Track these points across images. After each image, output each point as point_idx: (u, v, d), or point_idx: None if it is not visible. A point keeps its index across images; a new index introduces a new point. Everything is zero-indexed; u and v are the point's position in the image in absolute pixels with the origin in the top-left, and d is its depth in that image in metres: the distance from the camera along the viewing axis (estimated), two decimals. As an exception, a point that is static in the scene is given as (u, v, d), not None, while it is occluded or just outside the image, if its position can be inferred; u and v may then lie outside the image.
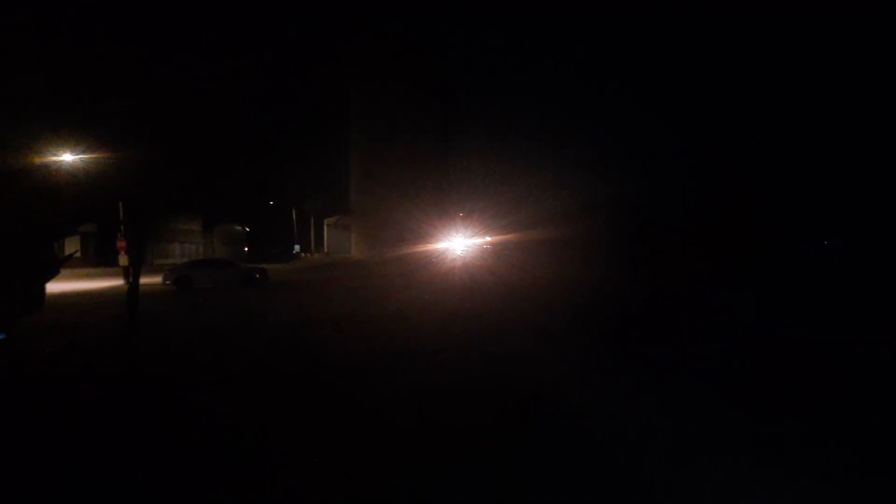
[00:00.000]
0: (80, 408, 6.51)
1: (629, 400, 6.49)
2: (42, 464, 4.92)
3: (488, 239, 58.06)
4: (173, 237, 60.94)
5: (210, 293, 22.52)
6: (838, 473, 4.50)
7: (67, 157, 25.11)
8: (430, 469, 4.64)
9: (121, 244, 29.57)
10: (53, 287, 12.08)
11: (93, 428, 5.78)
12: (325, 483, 4.43)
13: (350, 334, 11.47)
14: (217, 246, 67.29)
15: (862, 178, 37.94)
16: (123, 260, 29.29)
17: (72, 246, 44.18)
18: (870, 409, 6.16)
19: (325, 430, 5.61)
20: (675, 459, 4.74)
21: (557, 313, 14.16)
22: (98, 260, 45.81)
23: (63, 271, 10.92)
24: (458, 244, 55.15)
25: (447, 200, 68.27)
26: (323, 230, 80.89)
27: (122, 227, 29.95)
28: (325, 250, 78.18)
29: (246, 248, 70.43)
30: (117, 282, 29.50)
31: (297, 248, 70.98)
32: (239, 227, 73.23)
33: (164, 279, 25.50)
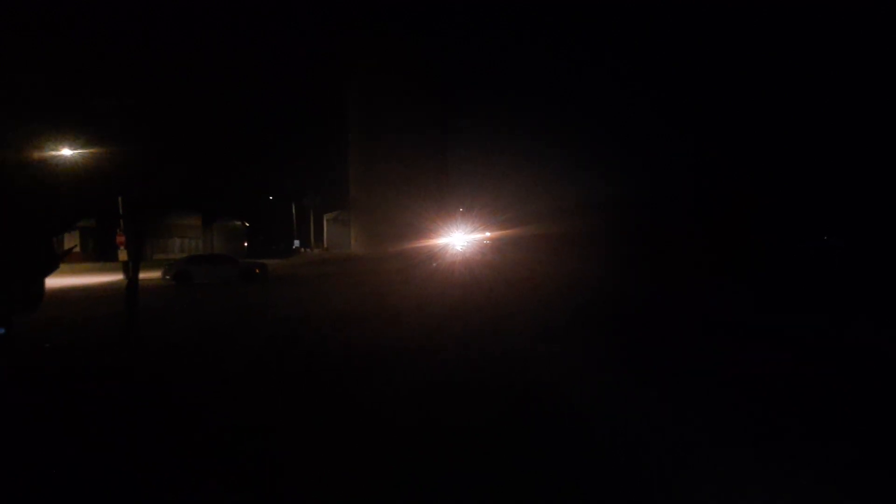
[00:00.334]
0: (78, 405, 6.50)
1: (630, 399, 6.48)
2: (40, 462, 4.91)
3: (488, 234, 58.08)
4: (173, 232, 60.88)
5: (209, 289, 22.50)
6: (839, 471, 4.49)
7: (67, 153, 25.06)
8: (429, 469, 4.63)
9: (120, 239, 29.52)
10: (53, 282, 12.06)
11: (91, 426, 5.77)
12: (325, 483, 4.42)
13: (349, 331, 11.46)
14: (217, 241, 67.24)
15: (861, 178, 37.95)
16: (123, 255, 29.23)
17: (71, 241, 44.14)
18: (871, 406, 6.16)
19: (324, 430, 5.60)
20: (675, 459, 4.73)
21: (558, 310, 14.15)
22: (97, 255, 45.74)
23: (62, 266, 10.89)
24: (458, 239, 55.16)
25: (447, 195, 68.28)
26: (322, 225, 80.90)
27: (121, 222, 29.88)
28: (325, 245, 78.20)
29: (245, 244, 70.42)
30: (117, 277, 29.48)
31: (296, 243, 71.02)
32: (238, 223, 73.17)
33: (164, 274, 25.48)
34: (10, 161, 10.35)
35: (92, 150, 26.14)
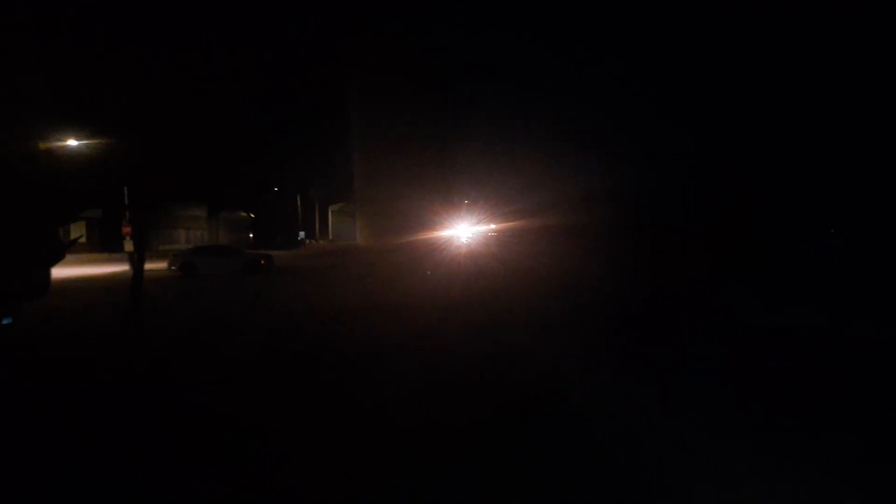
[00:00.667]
0: (78, 401, 6.52)
1: (630, 397, 6.47)
2: (41, 455, 4.94)
3: (493, 226, 57.98)
4: (178, 223, 61.05)
5: (215, 280, 22.58)
6: (840, 470, 4.49)
7: (73, 144, 25.15)
8: (429, 468, 4.64)
9: (126, 230, 29.66)
10: (59, 272, 12.14)
11: (91, 423, 5.78)
12: (326, 482, 4.43)
13: (353, 324, 11.47)
14: (222, 232, 67.38)
15: (862, 178, 37.76)
16: (128, 246, 29.39)
17: (77, 231, 44.33)
18: (871, 405, 6.14)
19: (325, 428, 5.61)
20: (675, 458, 4.73)
21: (560, 306, 14.13)
22: (103, 245, 45.93)
23: (68, 256, 10.97)
24: (463, 231, 55.13)
25: (452, 187, 68.15)
26: (328, 217, 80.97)
27: (127, 212, 30.00)
28: (330, 237, 78.29)
29: (251, 235, 70.53)
30: (122, 267, 29.64)
31: (301, 234, 71.06)
32: (244, 214, 73.27)
33: (170, 265, 25.57)
34: (17, 152, 10.40)
35: (98, 142, 26.23)
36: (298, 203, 71.64)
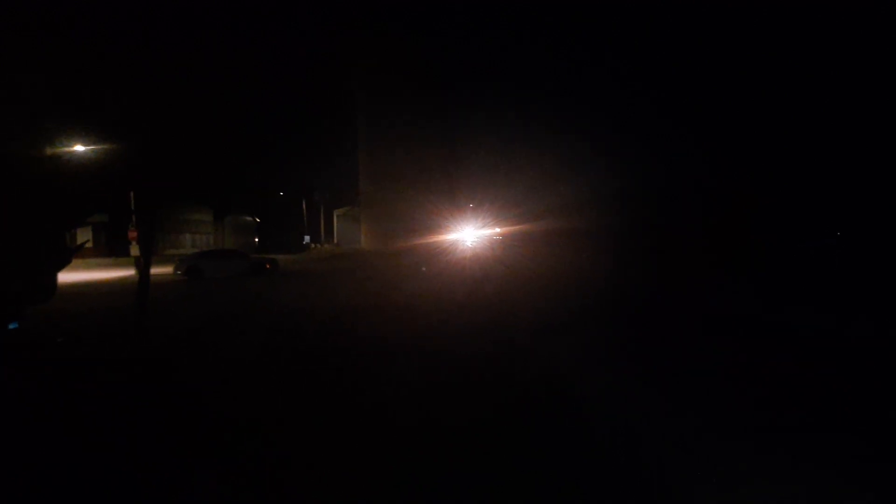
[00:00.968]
0: (79, 402, 6.54)
1: (630, 397, 6.47)
2: (45, 456, 4.96)
3: (498, 230, 57.94)
4: (184, 228, 61.31)
5: (220, 283, 22.65)
6: (841, 469, 4.47)
7: (79, 149, 25.31)
8: (430, 468, 4.64)
9: (132, 234, 29.79)
10: (65, 277, 12.18)
11: (93, 421, 5.81)
12: (326, 482, 4.44)
13: (354, 327, 11.50)
14: (228, 236, 67.63)
15: (862, 178, 37.64)
16: (135, 250, 29.50)
17: (83, 236, 44.56)
18: (871, 403, 6.12)
19: (325, 427, 5.62)
20: (675, 458, 4.72)
21: (563, 306, 14.14)
22: (110, 250, 46.14)
23: (75, 261, 11.01)
24: (468, 235, 55.10)
25: (457, 191, 68.18)
26: (333, 221, 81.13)
27: (133, 217, 30.14)
28: (335, 241, 78.44)
29: (256, 239, 70.73)
30: (129, 272, 29.73)
31: (306, 238, 71.18)
32: (249, 218, 73.50)
33: (175, 269, 25.66)
34: (23, 156, 10.46)
35: (104, 146, 26.38)
36: (303, 207, 71.79)
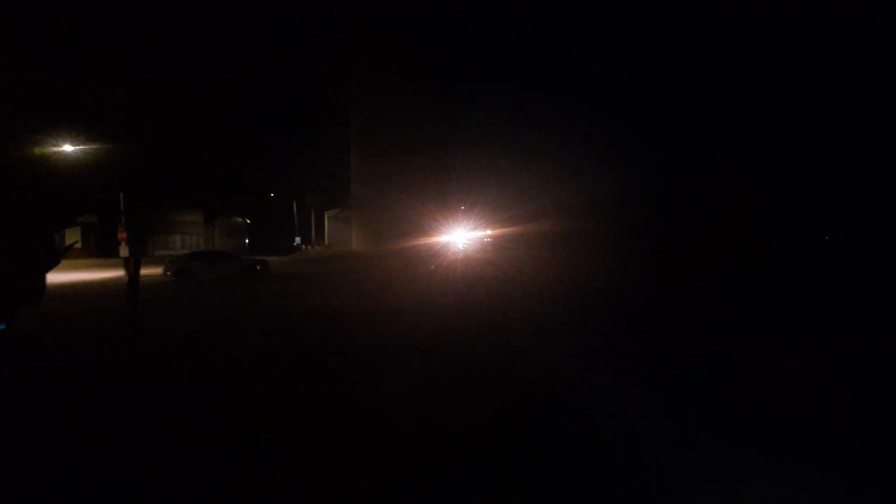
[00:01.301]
0: (77, 404, 6.48)
1: (630, 398, 6.47)
2: (40, 460, 4.91)
3: (489, 232, 58.01)
4: (174, 229, 60.89)
5: (211, 285, 22.51)
6: (841, 469, 4.49)
7: (68, 149, 25.09)
8: (429, 468, 4.63)
9: (122, 235, 29.57)
10: (54, 278, 12.05)
11: (90, 425, 5.76)
12: (325, 482, 4.41)
13: (350, 328, 11.46)
14: (218, 238, 67.24)
15: (862, 178, 37.91)
16: (124, 251, 29.29)
17: (73, 237, 44.21)
18: (872, 405, 6.15)
19: (324, 428, 5.60)
20: (675, 458, 4.72)
21: (560, 308, 14.14)
22: (99, 251, 45.79)
23: (64, 262, 10.89)
24: (460, 237, 55.09)
25: (448, 193, 68.21)
26: (324, 223, 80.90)
27: (122, 218, 29.93)
28: (326, 243, 78.21)
29: (247, 240, 70.44)
30: (118, 273, 29.49)
31: (297, 240, 70.96)
32: (240, 219, 73.15)
33: (165, 270, 25.47)
34: (12, 156, 10.38)
35: (94, 147, 26.18)
36: (294, 209, 71.55)
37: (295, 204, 71.58)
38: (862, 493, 4.17)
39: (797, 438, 5.19)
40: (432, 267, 26.53)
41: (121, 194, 29.39)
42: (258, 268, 26.38)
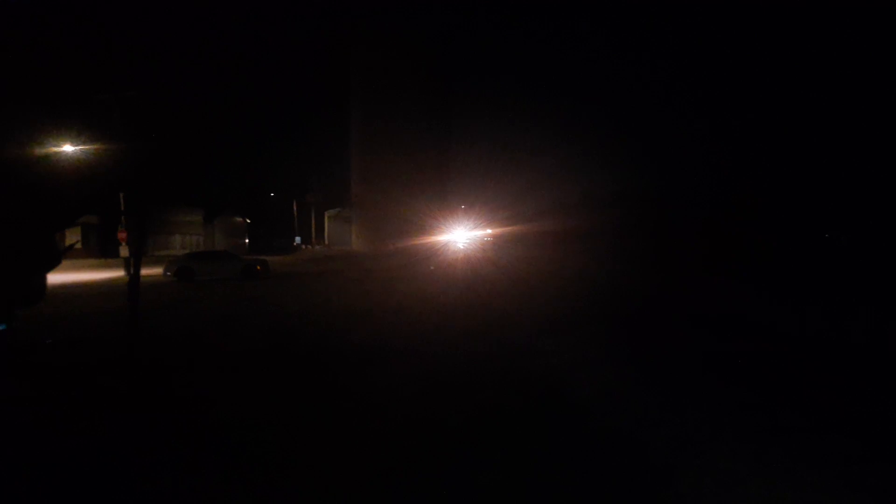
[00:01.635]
0: (76, 404, 6.47)
1: (630, 396, 6.47)
2: (40, 460, 4.90)
3: (489, 231, 58.09)
4: (174, 229, 60.89)
5: (211, 285, 22.51)
6: (841, 467, 4.49)
7: (69, 149, 25.06)
8: (428, 466, 4.63)
9: (122, 235, 29.58)
10: (55, 278, 12.07)
11: (90, 425, 5.75)
12: (325, 482, 4.41)
13: (350, 327, 11.45)
14: (218, 237, 67.26)
15: (867, 175, 37.91)
16: (125, 251, 29.30)
17: (73, 237, 44.20)
18: (871, 402, 6.15)
19: (324, 429, 5.59)
20: (676, 459, 4.72)
21: (560, 307, 14.14)
22: (99, 251, 45.79)
23: (64, 262, 10.89)
24: (460, 237, 55.16)
25: (449, 193, 68.28)
26: (324, 222, 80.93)
27: (123, 218, 29.93)
28: (326, 242, 78.27)
29: (247, 240, 70.45)
30: (118, 273, 29.50)
31: (297, 239, 70.97)
32: (240, 219, 73.17)
33: (166, 271, 25.45)
34: (13, 157, 10.36)
35: (94, 147, 26.16)
36: (294, 208, 71.56)
37: (295, 203, 71.58)
38: (862, 493, 4.17)
39: (797, 436, 5.18)
40: (431, 267, 26.44)
41: (121, 194, 29.39)
42: (258, 268, 26.36)
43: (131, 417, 5.90)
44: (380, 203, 63.69)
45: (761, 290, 17.45)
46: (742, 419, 5.63)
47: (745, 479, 4.35)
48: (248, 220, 73.37)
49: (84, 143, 25.75)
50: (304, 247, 71.85)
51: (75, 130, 25.26)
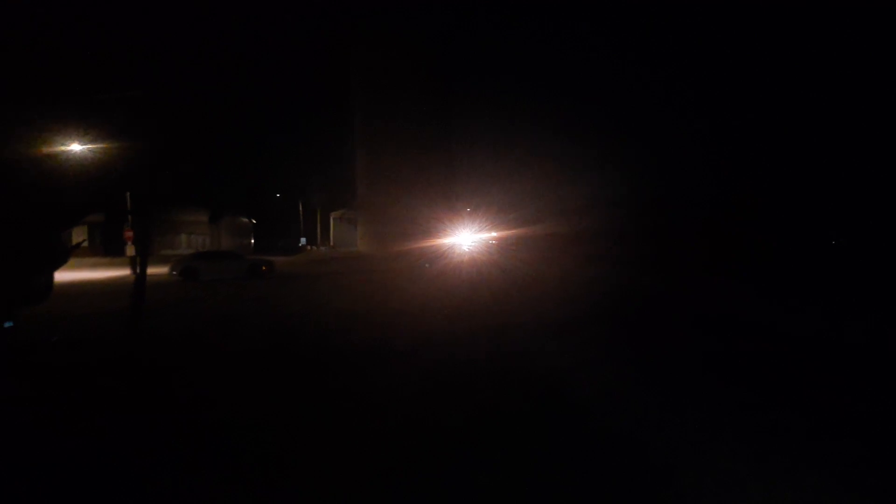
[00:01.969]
0: (77, 403, 6.50)
1: (631, 396, 6.46)
2: (39, 459, 4.92)
3: (494, 234, 58.04)
4: (180, 228, 61.15)
5: (216, 285, 22.58)
6: (841, 469, 4.48)
7: (76, 148, 25.19)
8: (428, 467, 4.65)
9: (128, 234, 29.72)
10: (61, 276, 12.14)
11: (90, 424, 5.77)
12: (324, 482, 4.43)
13: (351, 328, 11.47)
14: (223, 237, 67.49)
15: (867, 177, 37.77)
16: (130, 250, 29.46)
17: (79, 235, 44.42)
18: (873, 404, 6.13)
19: (324, 429, 5.61)
20: (676, 459, 4.72)
21: (563, 308, 14.12)
22: (105, 250, 46.02)
23: (71, 261, 10.97)
24: (465, 239, 55.10)
25: (454, 195, 68.26)
26: (329, 223, 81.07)
27: (129, 217, 30.08)
28: (331, 244, 78.40)
29: (252, 241, 70.62)
30: (124, 272, 29.66)
31: (303, 241, 71.15)
32: (245, 220, 73.40)
33: (171, 270, 25.57)
34: (20, 155, 10.43)
35: (101, 146, 26.27)
36: (300, 209, 71.72)
37: (300, 204, 71.74)
38: (862, 493, 4.17)
39: (798, 437, 5.18)
40: (426, 265, 26.37)
41: (127, 193, 29.55)
42: (264, 268, 26.46)
43: (131, 418, 5.92)
44: (384, 205, 63.71)
45: (762, 291, 17.41)
46: (742, 419, 5.63)
47: (745, 479, 4.36)
48: (254, 221, 73.58)
49: (90, 141, 25.87)
50: (309, 248, 72.02)
51: (81, 129, 25.38)
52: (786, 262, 28.66)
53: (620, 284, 21.34)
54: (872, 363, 8.25)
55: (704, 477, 4.38)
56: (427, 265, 19.19)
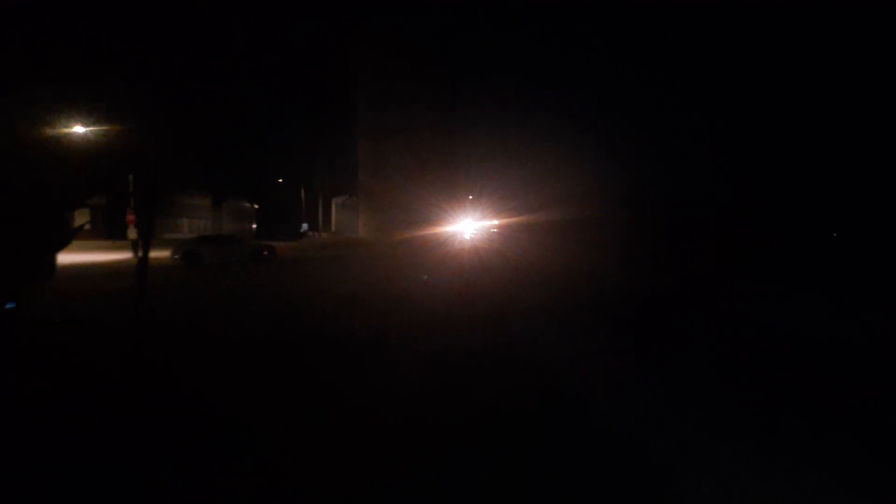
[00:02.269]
0: (77, 403, 6.45)
1: (632, 396, 6.46)
2: (39, 459, 4.89)
3: (496, 222, 57.95)
4: (182, 212, 61.13)
5: (218, 269, 22.58)
6: (841, 469, 4.48)
7: (80, 130, 25.14)
8: (427, 465, 4.65)
9: (130, 217, 29.70)
10: (63, 258, 12.12)
11: (89, 424, 5.72)
12: (324, 483, 4.41)
13: (357, 318, 11.45)
14: (225, 222, 67.50)
15: (868, 176, 37.64)
16: (133, 233, 29.46)
17: (82, 218, 44.41)
18: (873, 403, 6.13)
19: (324, 429, 5.58)
20: (676, 459, 4.73)
21: (566, 299, 14.10)
22: (107, 233, 46.00)
23: (73, 243, 10.95)
24: (467, 227, 55.03)
25: (456, 183, 68.12)
26: (331, 209, 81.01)
27: (131, 200, 30.03)
28: (333, 230, 78.37)
29: (254, 225, 70.61)
30: (126, 255, 29.67)
31: (304, 226, 71.05)
32: (247, 204, 73.37)
33: (173, 254, 25.54)
34: (25, 136, 10.42)
35: (104, 128, 26.23)
36: (302, 195, 71.60)
37: (303, 190, 71.62)
38: (862, 493, 4.17)
39: (798, 436, 5.18)
40: (425, 278, 26.37)
41: (130, 176, 29.49)
42: (265, 253, 26.45)
43: (131, 417, 5.89)
44: (387, 192, 63.65)
45: (762, 290, 17.38)
46: (742, 419, 5.63)
47: (745, 479, 4.36)
48: (256, 206, 73.50)
49: (95, 124, 25.82)
50: (311, 233, 71.95)
51: (85, 112, 25.32)
52: (785, 261, 28.58)
53: (622, 278, 21.30)
54: (872, 362, 8.24)
55: (704, 477, 4.38)
56: (426, 278, 19.08)
